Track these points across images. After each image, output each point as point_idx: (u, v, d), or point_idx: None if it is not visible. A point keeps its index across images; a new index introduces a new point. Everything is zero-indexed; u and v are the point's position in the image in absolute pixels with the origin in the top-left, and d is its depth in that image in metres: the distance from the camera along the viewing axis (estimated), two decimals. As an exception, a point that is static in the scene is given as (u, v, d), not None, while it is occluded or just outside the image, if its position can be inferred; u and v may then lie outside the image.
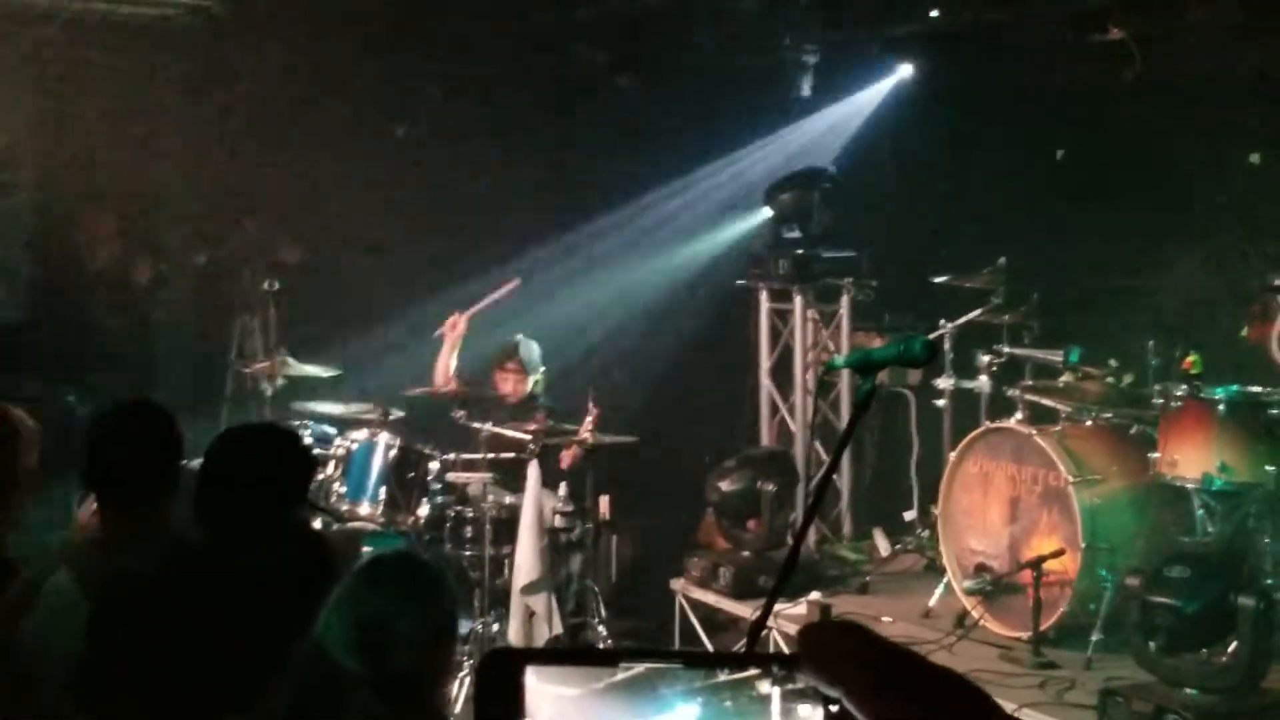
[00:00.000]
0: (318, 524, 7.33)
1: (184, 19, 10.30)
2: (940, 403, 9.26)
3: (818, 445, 9.97)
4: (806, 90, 10.61)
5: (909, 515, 9.64)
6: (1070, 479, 7.55)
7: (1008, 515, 8.01)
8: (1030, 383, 8.52)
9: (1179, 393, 7.28)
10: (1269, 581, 6.82)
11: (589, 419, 8.38)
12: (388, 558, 4.87)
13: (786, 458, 9.55)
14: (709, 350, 11.82)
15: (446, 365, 9.28)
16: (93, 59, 10.20)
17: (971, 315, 9.01)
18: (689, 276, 11.69)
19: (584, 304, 11.23)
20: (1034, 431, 7.87)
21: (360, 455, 8.32)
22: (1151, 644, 6.53)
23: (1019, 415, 8.14)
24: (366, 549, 7.67)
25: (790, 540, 8.68)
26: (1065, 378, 8.34)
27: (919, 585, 8.83)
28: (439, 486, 8.49)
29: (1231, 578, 6.48)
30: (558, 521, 8.12)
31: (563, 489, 8.21)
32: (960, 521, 8.31)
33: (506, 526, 8.20)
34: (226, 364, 10.23)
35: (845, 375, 9.96)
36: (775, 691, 1.28)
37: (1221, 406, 7.09)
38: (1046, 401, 8.28)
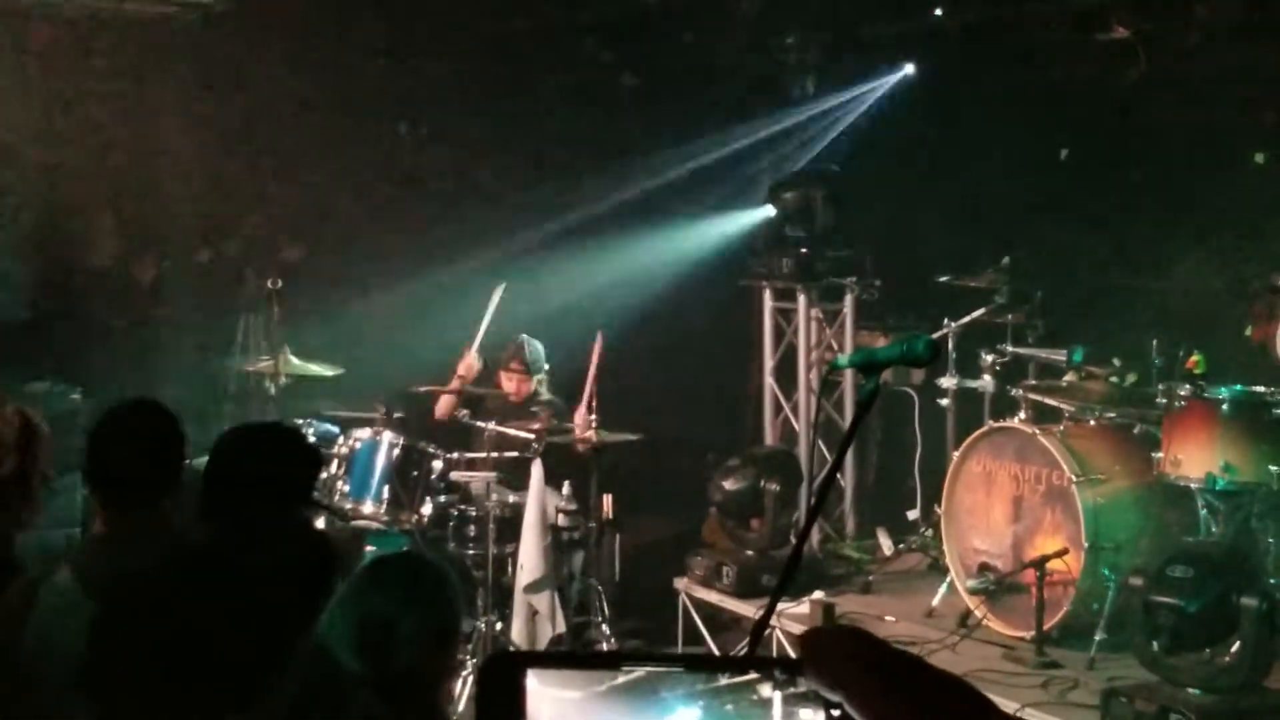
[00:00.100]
0: (321, 523, 7.33)
1: (186, 17, 10.29)
2: (944, 402, 9.26)
3: (821, 444, 9.96)
4: (810, 88, 10.61)
5: (912, 514, 9.65)
6: (1074, 478, 7.55)
7: (1011, 515, 8.01)
8: (1034, 382, 8.53)
9: (1182, 392, 7.28)
10: (1272, 581, 6.82)
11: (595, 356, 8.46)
12: (392, 558, 4.88)
13: (790, 457, 9.55)
14: (712, 349, 11.82)
15: (452, 402, 9.24)
16: (95, 57, 10.20)
17: (975, 315, 9.01)
18: (692, 275, 11.69)
19: (586, 303, 11.22)
20: (1037, 431, 7.87)
21: (363, 454, 8.32)
22: (1154, 644, 6.53)
23: (1022, 414, 8.15)
24: (370, 548, 7.68)
25: (793, 539, 8.68)
26: (1069, 377, 8.34)
27: (922, 585, 8.84)
28: (442, 485, 8.49)
29: (1234, 578, 6.48)
30: (561, 520, 8.12)
31: (566, 488, 8.22)
32: (963, 521, 8.30)
33: (510, 525, 8.20)
34: (229, 363, 10.22)
35: (849, 374, 9.94)
36: (777, 695, 1.27)
37: (1225, 406, 7.09)
38: (1050, 401, 8.29)
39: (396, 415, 8.63)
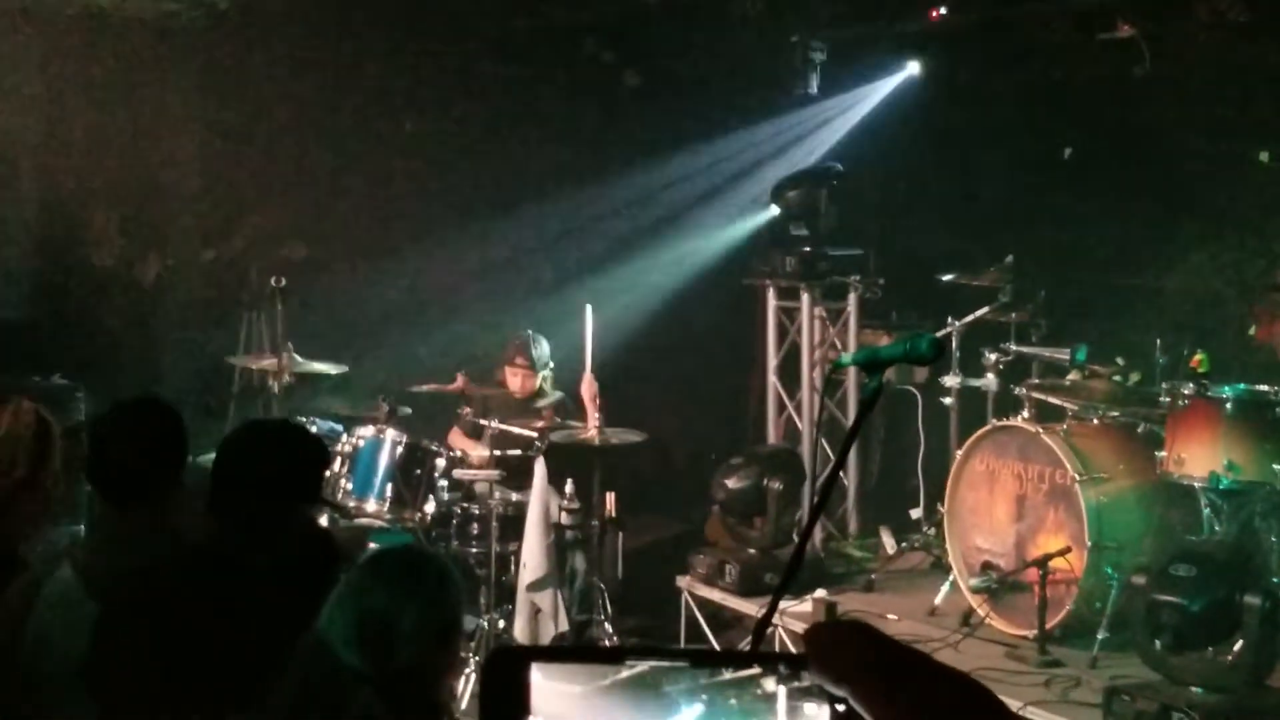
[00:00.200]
0: (324, 520, 7.33)
1: (190, 15, 10.29)
2: (947, 401, 9.25)
3: (824, 443, 9.96)
4: (814, 87, 10.60)
5: (915, 513, 9.64)
6: (1077, 477, 7.55)
7: (1014, 513, 8.01)
8: (1037, 381, 8.52)
9: (1186, 391, 7.27)
10: (1275, 580, 6.80)
11: (589, 391, 8.42)
12: (392, 552, 4.87)
13: (793, 455, 9.54)
14: (716, 348, 11.82)
15: (466, 439, 9.22)
16: (98, 55, 10.20)
17: (979, 313, 9.00)
18: (696, 274, 11.69)
19: (589, 301, 11.23)
20: (1040, 429, 7.86)
21: (367, 452, 8.33)
22: (1157, 642, 6.53)
23: (1026, 413, 8.13)
24: (373, 545, 7.68)
25: (796, 538, 8.68)
26: (1072, 376, 8.34)
27: (925, 583, 8.83)
28: (445, 483, 8.49)
29: (1237, 576, 6.48)
30: (564, 519, 8.12)
31: (569, 486, 8.21)
32: (966, 519, 8.30)
33: (513, 523, 8.20)
34: (233, 361, 10.21)
35: (852, 373, 9.96)
36: (781, 690, 1.26)
37: (1229, 405, 7.08)
38: (1053, 400, 8.28)
39: (400, 413, 8.62)
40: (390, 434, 8.35)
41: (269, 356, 8.94)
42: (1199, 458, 7.09)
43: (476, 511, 8.43)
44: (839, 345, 10.27)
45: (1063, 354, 8.47)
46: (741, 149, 11.59)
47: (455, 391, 9.28)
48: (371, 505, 8.22)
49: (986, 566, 7.98)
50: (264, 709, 3.62)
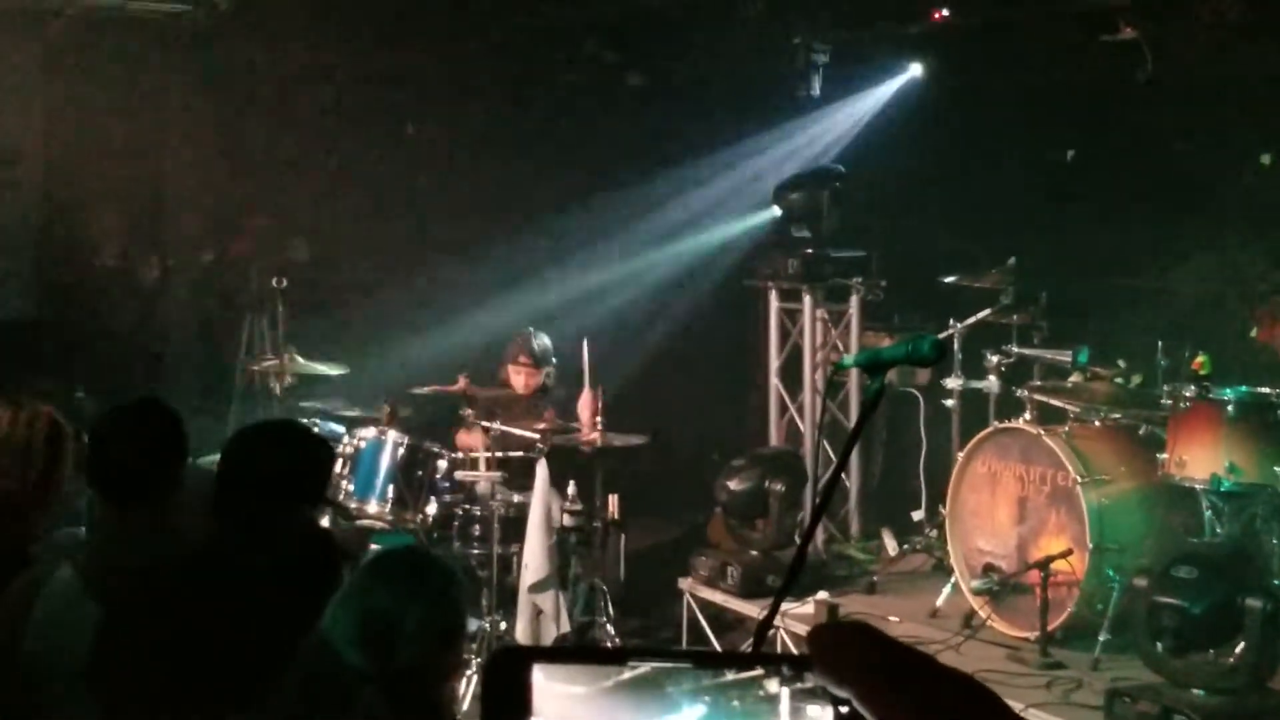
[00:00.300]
0: (325, 521, 7.33)
1: (192, 16, 10.30)
2: (949, 403, 9.25)
3: (826, 445, 9.95)
4: (816, 89, 10.59)
5: (917, 515, 9.64)
6: (1078, 479, 7.54)
7: (1016, 515, 8.01)
8: (1039, 383, 8.52)
9: (1188, 393, 7.27)
10: (1276, 582, 6.80)
11: (591, 406, 8.39)
12: (396, 553, 4.87)
13: (795, 457, 9.54)
14: (717, 350, 11.83)
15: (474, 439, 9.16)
16: (101, 56, 10.21)
17: (980, 315, 9.00)
18: (698, 276, 11.69)
19: (592, 302, 11.23)
20: (1042, 431, 7.86)
21: (368, 453, 8.32)
22: (1158, 644, 6.53)
23: (1027, 415, 8.14)
24: (375, 546, 7.68)
25: (798, 540, 8.67)
26: (1074, 378, 8.34)
27: (926, 585, 8.83)
28: (447, 485, 8.49)
29: (1239, 579, 6.48)
30: (566, 520, 8.11)
31: (571, 488, 8.21)
32: (968, 521, 8.30)
33: (514, 525, 8.19)
34: (234, 362, 10.23)
35: (854, 375, 9.96)
36: (784, 692, 1.26)
37: (1230, 407, 7.08)
38: (1055, 402, 8.28)
39: (401, 414, 8.62)
40: (392, 435, 8.35)
41: (270, 357, 8.94)
42: (1200, 460, 7.09)
43: (478, 513, 8.42)
44: (841, 347, 10.27)
45: (1064, 356, 8.47)
46: (743, 150, 11.58)
47: (458, 393, 9.28)
48: (373, 507, 8.21)
49: (988, 568, 7.98)
50: (264, 709, 3.62)
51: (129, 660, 3.80)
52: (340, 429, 8.65)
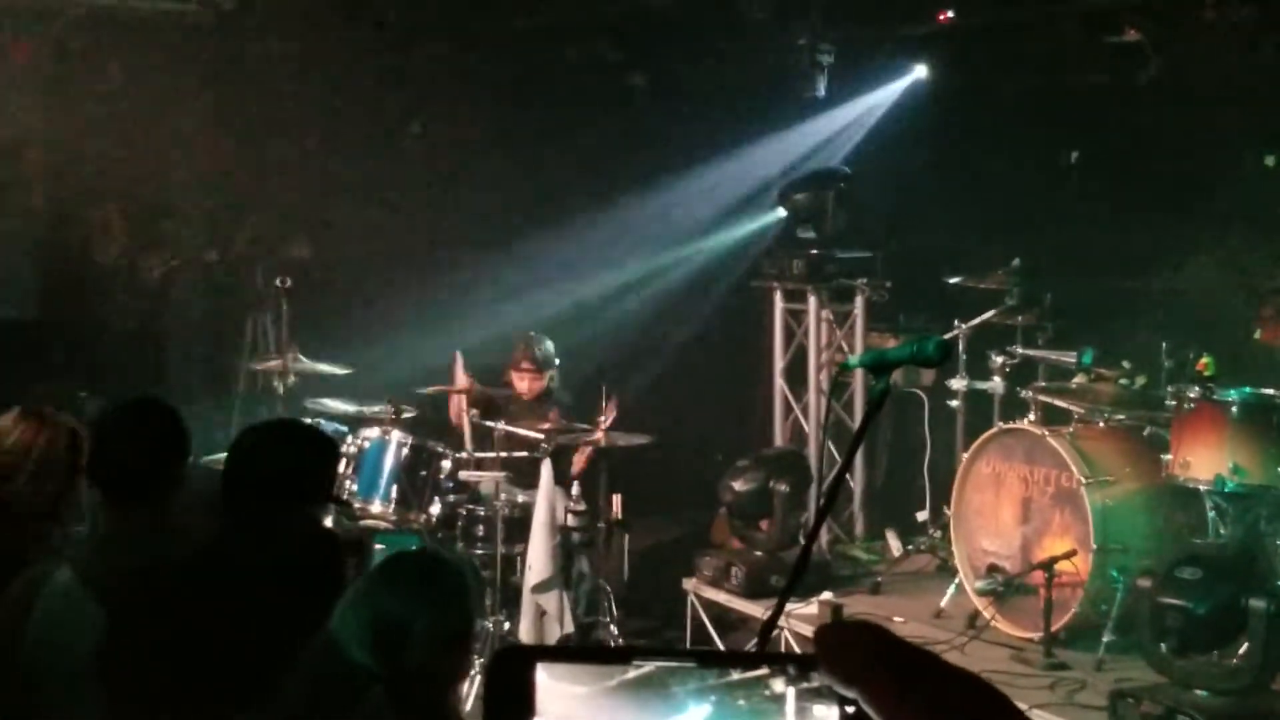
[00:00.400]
0: (329, 520, 7.33)
1: (194, 14, 10.30)
2: (953, 403, 9.25)
3: (831, 445, 9.95)
4: (821, 90, 10.58)
5: (921, 516, 9.64)
6: (1082, 480, 7.54)
7: (1020, 516, 8.01)
8: (1043, 384, 8.52)
9: (1192, 394, 7.25)
10: (1281, 583, 6.80)
11: (607, 415, 8.37)
12: (408, 555, 4.87)
13: (800, 458, 9.54)
14: (722, 350, 11.83)
15: (462, 403, 9.13)
16: (102, 55, 10.21)
17: (985, 316, 8.99)
18: (703, 277, 11.69)
19: (596, 303, 11.23)
20: (1046, 432, 7.86)
21: (372, 453, 8.31)
22: (1162, 645, 6.52)
23: (1032, 416, 8.14)
24: (379, 546, 7.67)
25: (802, 540, 8.67)
26: (1078, 379, 8.33)
27: (931, 585, 8.83)
28: (451, 485, 8.48)
29: (1243, 579, 6.47)
30: (570, 520, 8.10)
31: (575, 488, 8.20)
32: (972, 522, 8.30)
33: (518, 525, 8.19)
34: (238, 362, 10.22)
35: (859, 375, 9.99)
36: (790, 691, 1.26)
37: (1234, 408, 7.06)
38: (1059, 403, 8.28)
39: (405, 414, 8.61)
40: (396, 435, 8.34)
41: (274, 357, 8.94)
42: (1205, 461, 7.08)
43: (482, 513, 8.42)
44: (846, 348, 10.27)
45: (1069, 357, 8.47)
46: (749, 151, 11.58)
47: (461, 393, 9.26)
48: (377, 507, 8.20)
49: (992, 569, 7.97)
50: (267, 708, 3.61)
51: (131, 660, 3.80)
52: (344, 429, 8.63)
